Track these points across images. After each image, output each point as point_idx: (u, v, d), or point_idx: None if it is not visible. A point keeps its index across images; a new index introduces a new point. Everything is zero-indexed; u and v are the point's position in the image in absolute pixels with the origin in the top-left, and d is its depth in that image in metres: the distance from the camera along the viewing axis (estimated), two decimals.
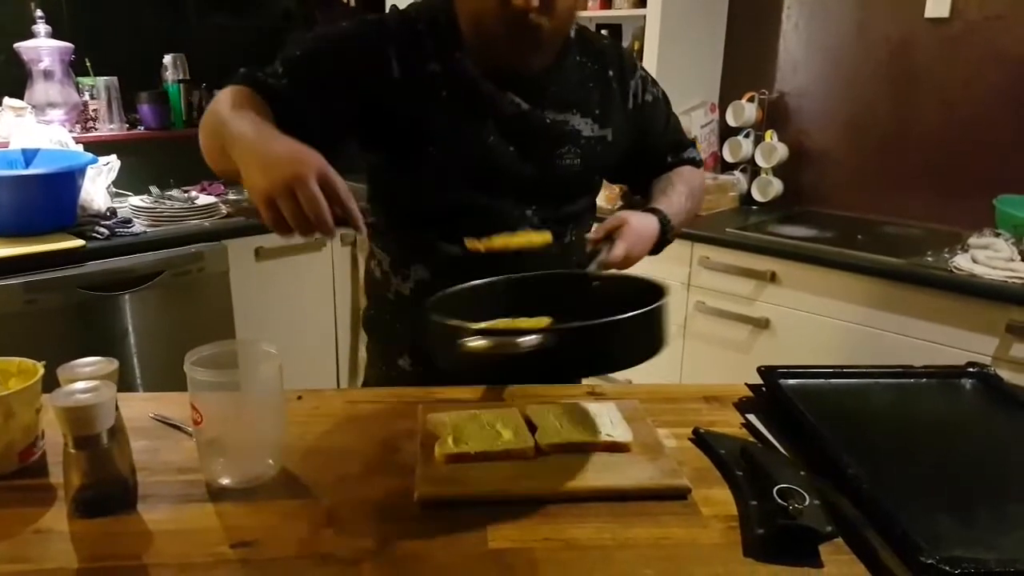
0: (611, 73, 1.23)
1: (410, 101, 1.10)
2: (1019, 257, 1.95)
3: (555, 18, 1.04)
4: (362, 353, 2.86)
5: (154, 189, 2.63)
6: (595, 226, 1.15)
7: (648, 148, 1.31)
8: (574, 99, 1.18)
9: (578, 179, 1.20)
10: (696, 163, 1.38)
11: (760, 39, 2.85)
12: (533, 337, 0.77)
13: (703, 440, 0.95)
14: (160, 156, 2.84)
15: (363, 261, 2.77)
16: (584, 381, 1.27)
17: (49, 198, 2.15)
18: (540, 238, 1.10)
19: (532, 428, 0.93)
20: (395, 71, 1.09)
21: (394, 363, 1.27)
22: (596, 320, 0.79)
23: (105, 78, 2.73)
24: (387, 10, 1.21)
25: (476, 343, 0.78)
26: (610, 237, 1.12)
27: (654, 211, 1.20)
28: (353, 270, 2.80)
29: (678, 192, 1.27)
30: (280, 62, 1.09)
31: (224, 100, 1.00)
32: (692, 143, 1.39)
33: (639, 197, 1.36)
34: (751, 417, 1.02)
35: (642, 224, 1.15)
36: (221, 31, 3.10)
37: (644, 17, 2.70)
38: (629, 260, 1.12)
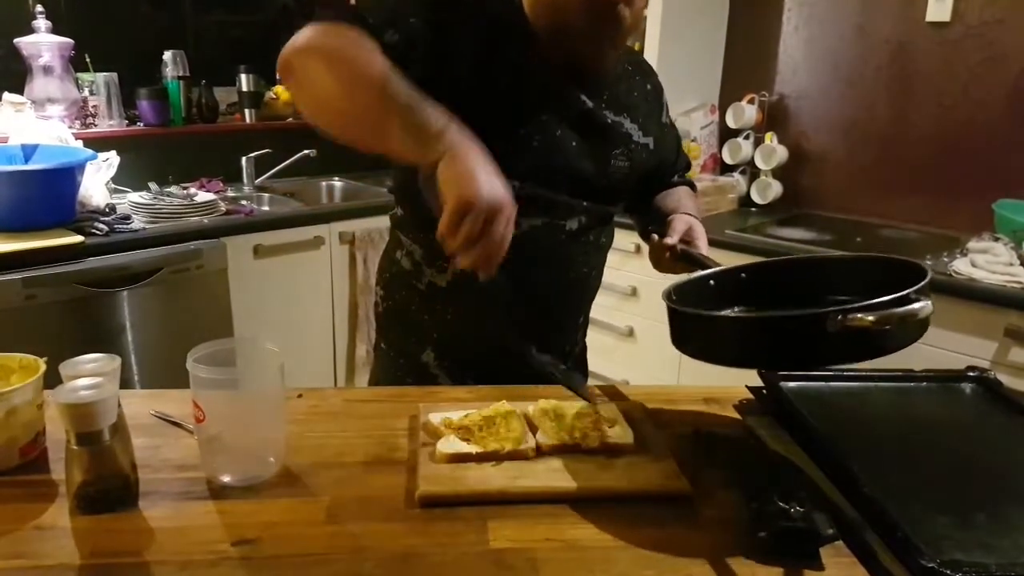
0: (650, 87, 1.26)
1: (488, 87, 1.07)
2: (1018, 262, 1.95)
3: (634, 14, 1.05)
4: (360, 352, 2.87)
5: (153, 186, 2.63)
6: (658, 237, 1.17)
7: (661, 166, 1.32)
8: (626, 103, 1.19)
9: (624, 181, 1.20)
10: (694, 187, 1.40)
11: (760, 41, 2.86)
12: (922, 304, 0.74)
13: (704, 442, 0.95)
14: (159, 153, 2.85)
15: (362, 259, 2.77)
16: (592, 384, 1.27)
17: (48, 194, 2.14)
18: None
19: (533, 429, 0.93)
20: (482, 53, 1.07)
21: (415, 360, 1.23)
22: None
23: (105, 74, 2.73)
24: None
25: (868, 317, 0.74)
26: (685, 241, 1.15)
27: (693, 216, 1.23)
28: (351, 268, 2.80)
29: (692, 207, 1.29)
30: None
31: (367, 50, 0.91)
32: (689, 163, 1.44)
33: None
34: (751, 419, 1.02)
35: (699, 223, 1.20)
36: (220, 27, 3.10)
37: (645, 19, 2.70)
38: None
